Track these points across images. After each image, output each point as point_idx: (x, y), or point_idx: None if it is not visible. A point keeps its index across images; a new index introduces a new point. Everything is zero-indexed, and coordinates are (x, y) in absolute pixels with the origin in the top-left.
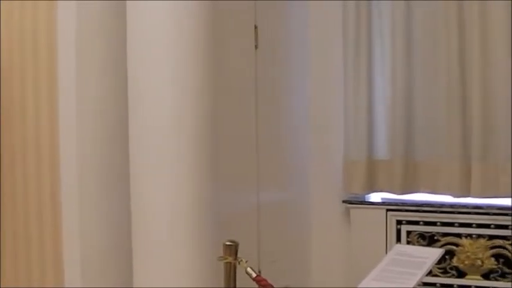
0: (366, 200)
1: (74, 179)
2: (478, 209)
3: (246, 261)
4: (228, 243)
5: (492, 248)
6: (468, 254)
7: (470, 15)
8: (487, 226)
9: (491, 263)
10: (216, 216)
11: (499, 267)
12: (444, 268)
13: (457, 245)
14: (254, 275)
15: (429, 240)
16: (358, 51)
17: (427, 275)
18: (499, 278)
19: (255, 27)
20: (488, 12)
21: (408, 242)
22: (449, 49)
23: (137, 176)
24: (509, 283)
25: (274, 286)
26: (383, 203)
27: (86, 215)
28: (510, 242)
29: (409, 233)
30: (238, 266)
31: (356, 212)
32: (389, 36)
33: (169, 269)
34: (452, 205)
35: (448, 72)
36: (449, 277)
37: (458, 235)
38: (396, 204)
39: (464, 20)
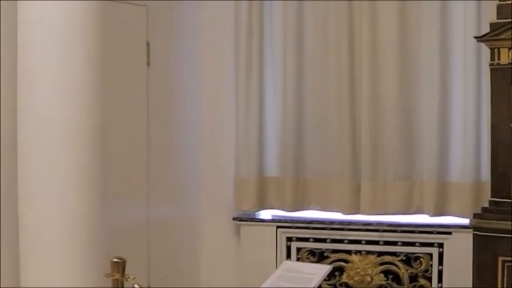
0: (256, 217)
1: None
2: (367, 226)
3: (134, 278)
4: (115, 259)
5: (381, 264)
6: (358, 270)
7: (360, 27)
8: (376, 243)
9: (380, 279)
10: (105, 232)
11: (388, 283)
12: (334, 284)
13: (346, 261)
14: None
15: (319, 256)
16: (249, 71)
17: None
18: None
19: (147, 43)
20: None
21: (298, 259)
22: (340, 72)
23: (25, 192)
24: None
25: None
26: (273, 220)
27: None
28: (399, 258)
29: (299, 249)
30: (126, 283)
31: (246, 228)
32: (280, 57)
33: (57, 285)
34: (342, 222)
35: (338, 93)
36: None
37: (348, 252)
38: (286, 221)
39: (354, 31)
